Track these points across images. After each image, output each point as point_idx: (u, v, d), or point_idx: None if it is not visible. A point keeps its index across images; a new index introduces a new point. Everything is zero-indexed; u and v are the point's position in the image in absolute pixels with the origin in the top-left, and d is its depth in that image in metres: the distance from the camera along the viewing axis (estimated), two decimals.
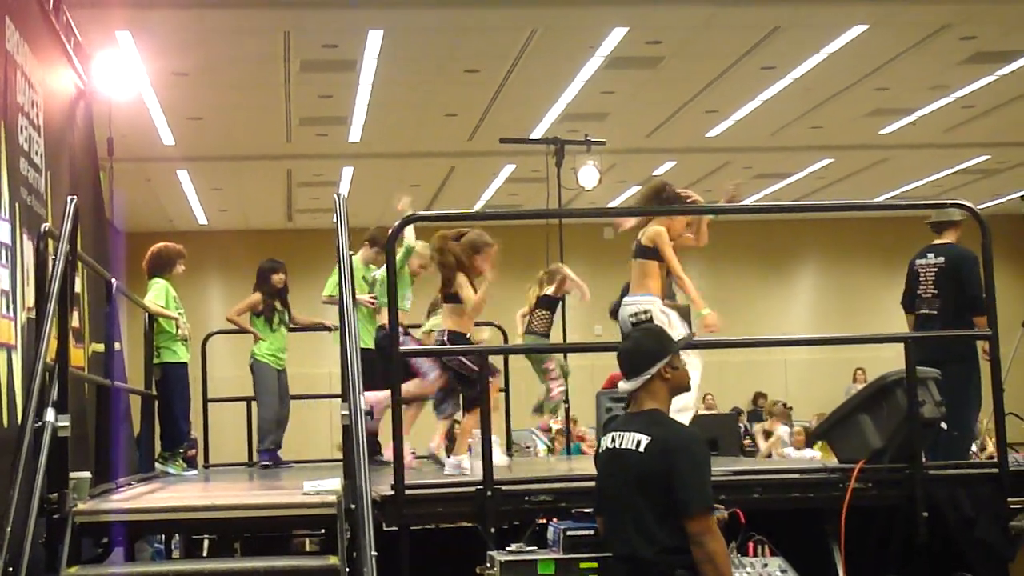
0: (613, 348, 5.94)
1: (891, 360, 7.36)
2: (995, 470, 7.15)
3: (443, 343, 8.64)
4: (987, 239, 7.22)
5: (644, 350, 5.37)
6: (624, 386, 5.40)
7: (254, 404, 11.37)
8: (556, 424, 16.02)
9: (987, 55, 16.12)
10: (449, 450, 8.95)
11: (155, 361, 10.23)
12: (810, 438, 15.71)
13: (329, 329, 11.75)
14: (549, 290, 10.66)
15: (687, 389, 5.57)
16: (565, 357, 10.94)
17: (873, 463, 7.16)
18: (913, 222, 27.68)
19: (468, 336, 8.78)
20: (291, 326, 11.29)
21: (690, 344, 6.83)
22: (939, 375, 7.70)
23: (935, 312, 9.29)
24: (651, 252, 8.14)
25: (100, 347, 8.81)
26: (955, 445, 8.67)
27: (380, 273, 10.72)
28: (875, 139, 20.62)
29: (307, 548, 9.50)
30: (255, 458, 11.39)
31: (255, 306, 11.07)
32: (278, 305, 11.12)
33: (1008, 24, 14.97)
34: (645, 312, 7.96)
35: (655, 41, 15.20)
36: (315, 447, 15.46)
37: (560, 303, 10.81)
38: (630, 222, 8.82)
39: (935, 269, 9.33)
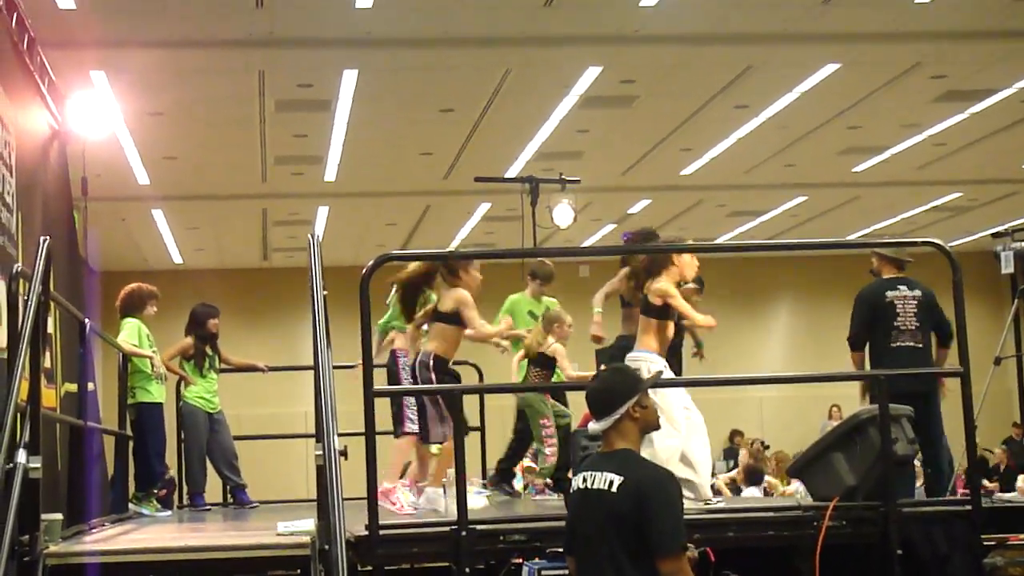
0: (584, 387, 5.94)
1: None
2: (968, 507, 7.17)
3: (426, 364, 8.45)
4: (958, 277, 7.26)
5: (612, 390, 5.38)
6: (594, 427, 5.40)
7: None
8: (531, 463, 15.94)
9: (958, 93, 16.25)
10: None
11: (129, 401, 10.22)
12: (788, 475, 15.71)
13: (263, 370, 11.77)
14: (548, 342, 10.29)
15: (657, 427, 5.57)
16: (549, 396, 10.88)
17: (847, 501, 7.18)
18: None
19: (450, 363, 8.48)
20: (221, 368, 11.31)
21: (658, 383, 6.85)
22: (912, 412, 7.74)
23: (920, 345, 9.23)
24: (654, 310, 8.22)
25: (73, 387, 8.78)
26: (947, 473, 8.75)
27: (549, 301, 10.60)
28: (848, 177, 20.74)
29: None
30: (230, 499, 11.35)
31: (186, 351, 11.07)
32: (209, 350, 11.13)
33: (978, 63, 15.10)
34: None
35: (629, 80, 15.28)
36: (291, 487, 15.41)
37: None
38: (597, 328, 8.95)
39: (915, 301, 9.26)
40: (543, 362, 10.00)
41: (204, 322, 11.17)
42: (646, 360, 8.15)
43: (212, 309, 11.30)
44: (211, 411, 11.06)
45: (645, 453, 5.77)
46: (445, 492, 8.09)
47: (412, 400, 8.66)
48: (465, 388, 8.52)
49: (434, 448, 8.67)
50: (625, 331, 9.25)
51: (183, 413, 11.04)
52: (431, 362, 8.34)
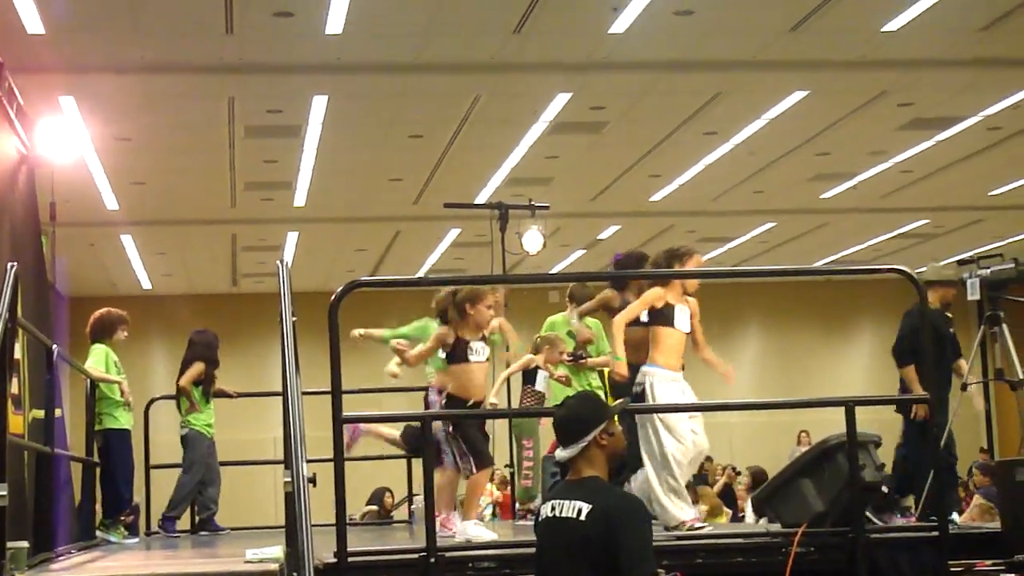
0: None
1: (835, 422, 7.42)
2: (935, 533, 7.20)
3: (437, 403, 8.42)
4: (924, 303, 7.32)
5: (579, 417, 5.37)
6: (561, 454, 5.40)
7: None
8: (496, 489, 15.98)
9: (924, 121, 16.38)
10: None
11: (97, 428, 10.16)
12: (753, 503, 15.73)
13: (232, 396, 11.73)
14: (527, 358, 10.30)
15: (624, 454, 5.58)
16: (510, 422, 10.91)
17: (815, 527, 7.20)
18: (853, 286, 28.03)
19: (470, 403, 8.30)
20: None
21: (628, 409, 6.86)
22: (879, 439, 7.78)
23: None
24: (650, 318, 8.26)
25: (40, 413, 8.73)
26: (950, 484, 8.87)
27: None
28: (816, 203, 20.85)
29: None
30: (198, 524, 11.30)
31: (200, 376, 11.04)
32: (215, 376, 11.14)
33: (944, 91, 15.23)
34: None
35: (598, 107, 15.34)
36: (259, 513, 15.34)
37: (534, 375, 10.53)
38: None
39: None
40: (531, 377, 10.11)
41: (215, 348, 11.17)
42: (649, 374, 8.19)
43: (217, 337, 11.29)
44: (210, 438, 11.07)
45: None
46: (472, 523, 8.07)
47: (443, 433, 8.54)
48: (432, 415, 8.49)
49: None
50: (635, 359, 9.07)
51: (189, 439, 11.01)
52: (437, 397, 8.45)
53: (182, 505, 11.01)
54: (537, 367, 10.29)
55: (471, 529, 7.99)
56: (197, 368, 11.04)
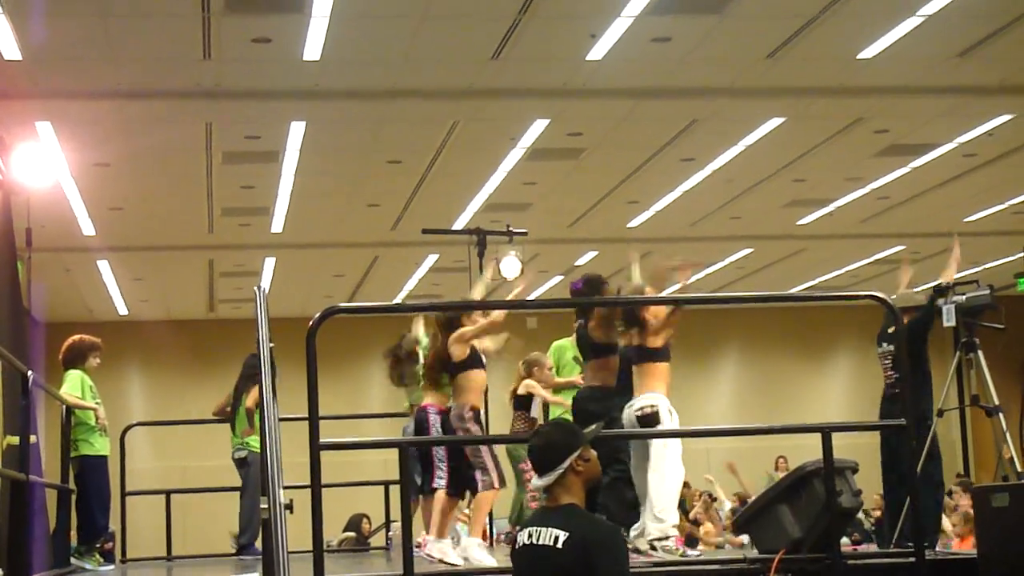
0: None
1: (813, 448, 7.43)
2: (912, 559, 7.21)
3: (460, 416, 8.40)
4: (900, 329, 7.34)
5: (554, 444, 5.35)
6: (537, 483, 5.39)
7: (166, 498, 11.23)
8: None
9: (900, 147, 16.46)
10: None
11: (72, 454, 10.12)
12: (733, 529, 15.76)
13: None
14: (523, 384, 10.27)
15: (600, 480, 5.57)
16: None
17: (792, 553, 7.21)
18: (830, 312, 28.08)
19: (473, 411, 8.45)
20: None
21: (600, 436, 6.85)
22: (856, 465, 7.80)
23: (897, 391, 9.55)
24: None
25: (15, 440, 8.69)
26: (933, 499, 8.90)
27: None
28: (793, 229, 20.92)
29: None
30: (174, 551, 11.25)
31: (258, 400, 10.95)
32: None
33: (920, 118, 15.31)
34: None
35: (576, 133, 15.37)
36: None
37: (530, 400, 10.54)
38: None
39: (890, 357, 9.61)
40: (524, 404, 10.09)
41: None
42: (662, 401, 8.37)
43: None
44: None
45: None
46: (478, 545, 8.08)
47: (443, 454, 8.60)
48: (414, 441, 8.48)
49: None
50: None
51: (250, 462, 10.97)
52: (466, 414, 8.39)
53: (252, 527, 10.90)
54: (531, 394, 10.24)
55: (475, 550, 7.98)
56: (256, 392, 10.93)
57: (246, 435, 10.97)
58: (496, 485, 8.28)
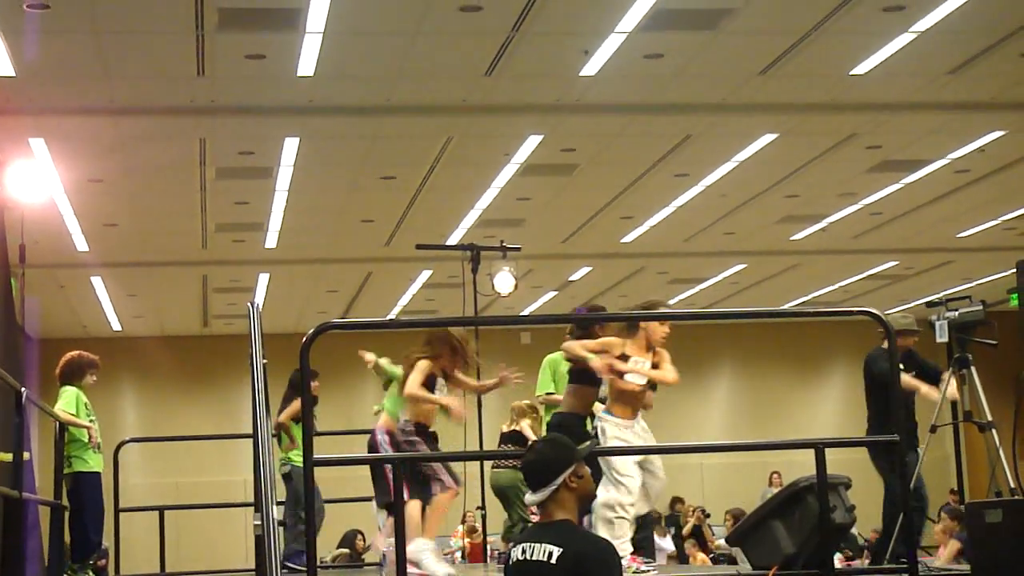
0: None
1: (806, 463, 7.44)
2: (905, 575, 7.21)
3: (405, 431, 8.45)
4: (893, 344, 7.35)
5: (548, 461, 5.36)
6: (531, 499, 5.39)
7: (159, 514, 11.21)
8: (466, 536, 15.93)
9: (893, 163, 16.50)
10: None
11: (66, 470, 10.10)
12: (728, 542, 15.76)
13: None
14: (521, 424, 10.33)
15: (594, 497, 5.58)
16: (481, 465, 10.90)
17: (786, 568, 7.21)
18: (824, 327, 28.11)
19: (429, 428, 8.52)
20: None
21: (594, 452, 6.87)
22: (849, 481, 7.80)
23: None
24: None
25: (8, 457, 8.68)
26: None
27: None
28: (786, 245, 20.95)
29: None
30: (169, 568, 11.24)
31: (297, 413, 10.90)
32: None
33: (912, 134, 15.35)
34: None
35: (570, 149, 15.39)
36: (230, 556, 15.28)
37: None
38: None
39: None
40: (519, 440, 10.13)
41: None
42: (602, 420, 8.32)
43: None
44: None
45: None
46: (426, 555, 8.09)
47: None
48: (402, 456, 8.46)
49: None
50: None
51: (293, 476, 10.90)
52: (407, 428, 8.44)
53: (300, 539, 10.87)
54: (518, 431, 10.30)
55: (426, 556, 8.00)
56: (295, 406, 10.84)
57: (287, 450, 10.94)
58: (453, 487, 8.33)
